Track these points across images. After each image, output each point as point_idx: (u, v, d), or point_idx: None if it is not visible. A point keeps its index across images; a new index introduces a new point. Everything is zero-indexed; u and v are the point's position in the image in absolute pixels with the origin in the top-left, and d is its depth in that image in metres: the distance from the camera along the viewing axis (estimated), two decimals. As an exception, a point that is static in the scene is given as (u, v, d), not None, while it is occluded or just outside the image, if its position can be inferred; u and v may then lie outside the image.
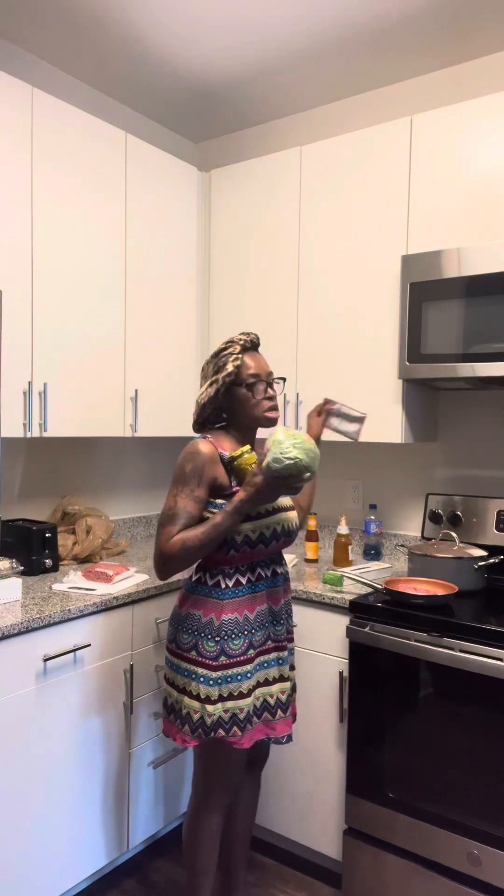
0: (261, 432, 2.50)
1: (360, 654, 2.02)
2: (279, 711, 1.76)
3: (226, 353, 1.72)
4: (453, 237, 2.18)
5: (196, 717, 1.67)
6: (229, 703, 1.67)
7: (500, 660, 1.77)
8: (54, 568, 2.30)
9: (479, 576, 2.17)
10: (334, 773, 2.14)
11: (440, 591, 2.04)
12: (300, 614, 2.19)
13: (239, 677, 1.68)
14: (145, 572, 2.34)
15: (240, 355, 1.71)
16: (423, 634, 1.89)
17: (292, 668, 1.83)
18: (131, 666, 2.10)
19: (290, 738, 1.77)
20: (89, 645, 1.97)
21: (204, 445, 1.65)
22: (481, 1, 2.14)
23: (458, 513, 2.40)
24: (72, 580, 2.14)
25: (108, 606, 2.02)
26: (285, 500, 1.78)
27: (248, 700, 1.69)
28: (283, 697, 1.77)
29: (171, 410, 2.65)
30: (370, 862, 2.00)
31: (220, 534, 1.60)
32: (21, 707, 1.81)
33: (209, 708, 1.65)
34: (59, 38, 2.38)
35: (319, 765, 2.16)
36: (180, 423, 2.69)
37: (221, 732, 1.66)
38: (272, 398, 1.74)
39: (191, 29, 2.31)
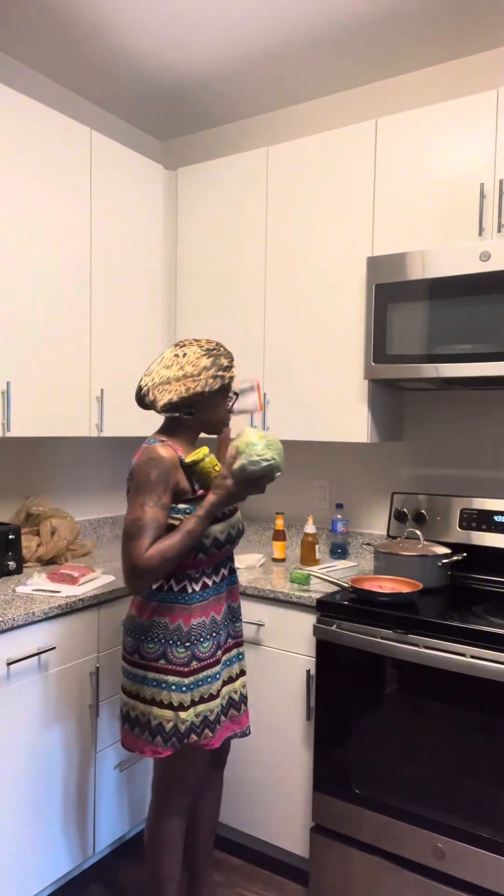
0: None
1: (327, 651, 2.03)
2: (242, 706, 1.81)
3: (228, 358, 1.71)
4: (417, 239, 2.21)
5: (169, 725, 1.63)
6: (200, 707, 1.67)
7: (462, 655, 1.80)
8: (18, 570, 2.26)
9: (444, 573, 2.20)
10: (301, 770, 2.15)
11: (405, 589, 2.07)
12: (268, 613, 2.19)
13: (209, 679, 1.68)
14: (111, 574, 2.32)
15: (233, 369, 1.76)
16: (389, 632, 1.92)
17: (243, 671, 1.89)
18: (97, 668, 2.08)
19: (249, 730, 1.83)
20: (54, 648, 1.94)
21: (165, 450, 1.60)
22: (447, 7, 2.17)
23: (423, 511, 2.43)
24: (36, 582, 2.11)
25: (73, 609, 1.99)
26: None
27: (218, 700, 1.70)
28: (244, 691, 1.83)
29: (137, 410, 2.63)
30: (337, 858, 2.02)
31: (194, 540, 1.58)
32: (-16, 712, 1.77)
33: (182, 715, 1.63)
34: (19, 30, 2.34)
35: (286, 763, 2.17)
36: (147, 423, 2.68)
37: (194, 737, 1.65)
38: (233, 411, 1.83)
39: (158, 25, 2.29)
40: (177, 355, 1.69)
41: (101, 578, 2.21)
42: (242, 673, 1.83)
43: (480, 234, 2.08)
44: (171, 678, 1.64)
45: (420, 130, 2.18)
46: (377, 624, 1.94)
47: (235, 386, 1.82)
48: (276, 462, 1.57)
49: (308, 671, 2.10)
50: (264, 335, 2.54)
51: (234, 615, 1.80)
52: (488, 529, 2.29)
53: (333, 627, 2.00)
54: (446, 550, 2.22)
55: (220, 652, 1.72)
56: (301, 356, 2.46)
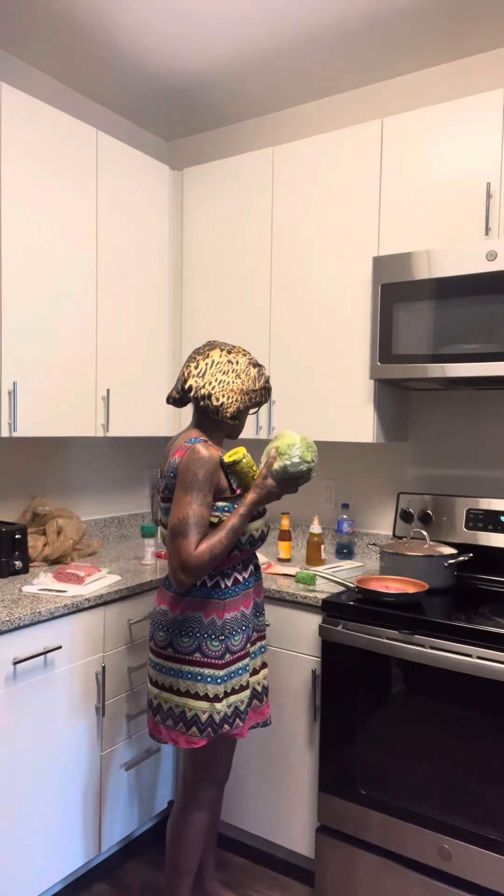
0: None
1: (333, 652, 2.03)
2: (264, 697, 1.87)
3: (256, 365, 1.79)
4: (423, 239, 2.20)
5: (205, 717, 1.69)
6: (233, 698, 1.73)
7: (469, 656, 1.79)
8: (24, 570, 2.27)
9: (450, 573, 2.20)
10: (307, 771, 2.14)
11: (411, 589, 2.07)
12: (273, 614, 2.19)
13: (240, 671, 1.75)
14: (117, 573, 2.32)
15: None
16: (395, 632, 1.91)
17: None
18: (103, 668, 2.08)
19: (270, 721, 1.91)
20: (60, 647, 1.95)
21: (209, 450, 1.65)
22: (452, 7, 2.17)
23: (429, 511, 2.42)
24: (42, 582, 2.11)
25: (79, 608, 2.00)
26: None
27: (248, 691, 1.77)
28: (266, 682, 1.88)
29: (143, 410, 2.63)
30: (343, 859, 2.01)
31: (237, 536, 1.65)
32: (-10, 711, 1.78)
33: (217, 706, 1.70)
34: (26, 32, 2.35)
35: (292, 763, 2.17)
36: (152, 423, 2.68)
37: (227, 727, 1.72)
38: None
39: (163, 25, 2.30)
40: (230, 361, 1.75)
41: (106, 578, 2.22)
42: (265, 665, 1.89)
43: (487, 233, 2.08)
44: (206, 671, 1.70)
45: (426, 130, 2.18)
46: (383, 624, 1.94)
47: None
48: (314, 464, 1.68)
49: (313, 671, 2.10)
50: (270, 335, 2.54)
51: (258, 610, 1.85)
52: (494, 530, 2.29)
53: (339, 628, 2.00)
54: (452, 551, 2.21)
55: (249, 645, 1.78)
56: (307, 356, 2.45)
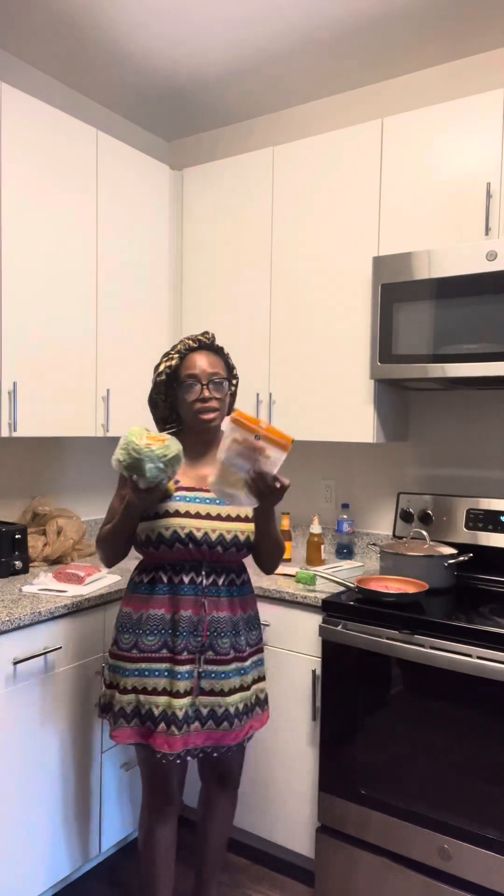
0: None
1: (333, 652, 2.03)
2: (163, 724, 1.62)
3: (181, 344, 1.72)
4: (423, 239, 2.20)
5: (104, 700, 1.79)
6: (110, 691, 1.75)
7: (469, 656, 1.79)
8: (24, 570, 2.27)
9: (450, 573, 2.20)
10: (307, 771, 2.14)
11: (411, 589, 2.07)
12: (273, 614, 2.19)
13: (120, 671, 1.71)
14: (117, 573, 2.32)
15: (176, 356, 1.70)
16: (395, 632, 1.91)
17: (241, 688, 1.70)
18: (103, 668, 2.08)
19: (165, 756, 1.61)
20: (60, 647, 1.95)
21: None
22: (452, 7, 2.17)
23: (429, 511, 2.43)
24: (42, 582, 2.11)
25: (79, 608, 2.00)
26: (200, 508, 1.67)
27: (125, 697, 1.68)
28: (171, 712, 1.62)
29: (143, 410, 2.63)
30: (343, 859, 2.01)
31: (119, 529, 1.66)
32: (-10, 711, 1.78)
33: (103, 689, 1.78)
34: (27, 33, 2.35)
35: (292, 763, 2.17)
36: (153, 423, 2.68)
37: (108, 718, 1.74)
38: (204, 399, 1.67)
39: (163, 25, 2.30)
40: None
41: (106, 578, 2.22)
42: (178, 694, 1.63)
43: (487, 233, 2.08)
44: (111, 659, 1.75)
45: (426, 130, 2.18)
46: (383, 624, 1.94)
47: (192, 368, 1.68)
48: (122, 462, 1.50)
49: (314, 671, 2.10)
50: (270, 335, 2.54)
51: (175, 628, 1.66)
52: (494, 530, 2.29)
53: (339, 628, 2.00)
54: (452, 551, 2.21)
55: (135, 651, 1.67)
56: (307, 356, 2.46)
